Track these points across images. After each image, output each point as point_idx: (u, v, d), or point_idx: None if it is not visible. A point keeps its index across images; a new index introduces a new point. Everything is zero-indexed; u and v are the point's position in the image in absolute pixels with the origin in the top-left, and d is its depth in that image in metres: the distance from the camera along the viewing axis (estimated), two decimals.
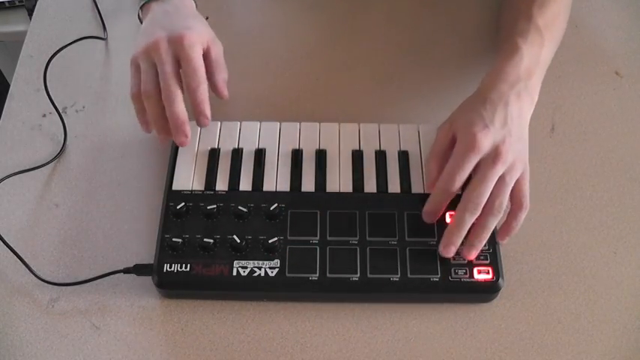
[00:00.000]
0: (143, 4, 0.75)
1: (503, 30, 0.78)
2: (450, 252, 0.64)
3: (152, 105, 0.68)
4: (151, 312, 0.66)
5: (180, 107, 0.67)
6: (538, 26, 0.72)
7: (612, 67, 0.84)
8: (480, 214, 0.64)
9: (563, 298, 0.67)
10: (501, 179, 0.64)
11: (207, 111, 0.68)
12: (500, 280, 0.65)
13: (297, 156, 0.72)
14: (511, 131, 0.65)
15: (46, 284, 0.67)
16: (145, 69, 0.68)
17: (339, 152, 0.73)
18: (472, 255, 0.65)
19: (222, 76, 0.73)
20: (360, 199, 0.69)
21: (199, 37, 0.69)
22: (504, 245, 0.67)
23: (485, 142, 0.63)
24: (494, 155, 0.63)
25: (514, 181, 0.65)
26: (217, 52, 0.73)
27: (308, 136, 0.74)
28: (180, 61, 0.68)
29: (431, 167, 0.67)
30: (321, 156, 0.72)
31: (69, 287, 0.67)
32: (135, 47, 0.70)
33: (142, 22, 0.75)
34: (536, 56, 0.71)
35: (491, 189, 0.63)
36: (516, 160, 0.64)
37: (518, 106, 0.67)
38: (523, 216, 0.65)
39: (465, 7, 0.90)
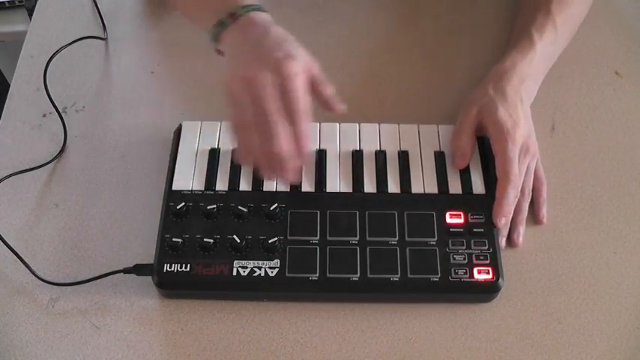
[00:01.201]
0: (218, 35, 0.69)
1: (520, 19, 0.81)
2: (502, 222, 0.68)
3: (254, 138, 0.64)
4: (150, 312, 0.66)
5: (285, 143, 0.62)
6: (555, 23, 0.77)
7: (612, 67, 0.84)
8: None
9: (563, 298, 0.67)
10: (528, 168, 0.71)
11: (307, 147, 0.64)
12: (500, 280, 0.65)
13: None
14: (531, 125, 0.72)
15: (46, 284, 0.67)
16: (247, 101, 0.63)
17: (339, 152, 0.73)
18: (521, 240, 0.70)
19: (327, 92, 0.68)
20: (360, 199, 0.69)
21: (303, 64, 0.65)
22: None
23: (520, 138, 0.70)
24: (525, 150, 0.70)
25: (534, 166, 0.73)
26: (318, 71, 0.68)
27: None
28: (282, 94, 0.63)
29: (464, 142, 0.72)
30: (321, 156, 0.72)
31: (69, 287, 0.67)
32: (229, 76, 0.65)
33: (219, 53, 0.70)
34: (547, 53, 0.77)
35: (523, 173, 0.70)
36: (536, 149, 0.72)
37: (527, 101, 0.74)
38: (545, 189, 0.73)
39: (465, 7, 0.90)
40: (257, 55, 0.65)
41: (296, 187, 0.70)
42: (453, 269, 0.65)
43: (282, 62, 0.63)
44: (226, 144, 0.73)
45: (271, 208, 0.68)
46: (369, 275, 0.65)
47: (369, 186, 0.70)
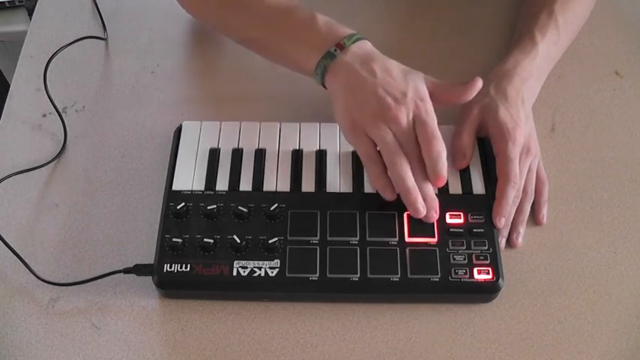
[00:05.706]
0: (326, 68, 0.68)
1: (522, 20, 0.81)
2: (501, 222, 0.68)
3: (408, 174, 0.65)
4: (151, 312, 0.66)
5: (431, 185, 0.67)
6: (558, 24, 0.77)
7: (612, 67, 0.84)
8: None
9: (563, 298, 0.67)
10: (530, 168, 0.71)
11: (444, 174, 0.65)
12: (500, 280, 0.65)
13: (297, 156, 0.72)
14: (532, 126, 0.73)
15: (46, 284, 0.67)
16: (389, 139, 0.65)
17: (339, 152, 0.73)
18: (520, 240, 0.70)
19: (457, 89, 0.69)
20: (360, 199, 0.69)
21: (429, 97, 0.67)
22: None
23: (521, 138, 0.70)
24: (526, 150, 0.70)
25: (536, 166, 0.72)
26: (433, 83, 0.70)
27: (308, 136, 0.74)
28: (416, 127, 0.65)
29: (465, 142, 0.71)
30: (321, 156, 0.72)
31: (69, 287, 0.67)
32: (353, 111, 0.66)
33: (325, 87, 0.70)
34: (549, 53, 0.77)
35: (525, 173, 0.70)
36: (537, 149, 0.72)
37: (529, 101, 0.74)
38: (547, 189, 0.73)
39: (465, 7, 0.90)
40: (386, 90, 0.66)
41: (296, 187, 0.70)
42: (453, 269, 0.65)
43: (419, 105, 0.66)
44: (226, 144, 0.73)
45: (271, 208, 0.68)
46: (369, 275, 0.65)
47: (369, 186, 0.70)
